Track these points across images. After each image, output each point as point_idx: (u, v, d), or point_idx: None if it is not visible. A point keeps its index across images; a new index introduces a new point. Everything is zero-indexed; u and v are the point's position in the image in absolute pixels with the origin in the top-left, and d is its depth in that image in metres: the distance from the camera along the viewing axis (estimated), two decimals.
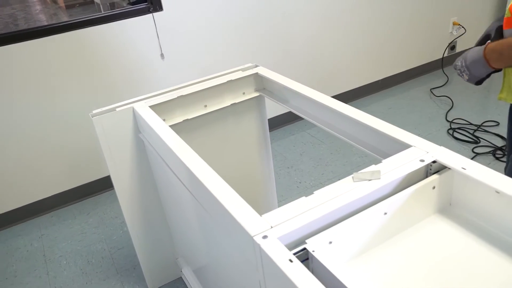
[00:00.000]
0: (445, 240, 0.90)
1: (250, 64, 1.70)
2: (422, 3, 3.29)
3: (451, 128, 2.78)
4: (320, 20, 2.91)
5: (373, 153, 1.13)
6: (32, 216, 2.44)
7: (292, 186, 2.45)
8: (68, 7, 4.79)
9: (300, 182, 2.48)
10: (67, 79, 2.27)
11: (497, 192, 0.86)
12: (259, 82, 1.67)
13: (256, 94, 1.67)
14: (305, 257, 0.80)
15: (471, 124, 2.80)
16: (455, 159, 0.94)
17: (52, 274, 2.02)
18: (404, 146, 1.03)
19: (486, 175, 0.88)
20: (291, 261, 0.72)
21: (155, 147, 1.37)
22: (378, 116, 1.16)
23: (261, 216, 0.83)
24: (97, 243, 2.18)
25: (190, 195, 1.14)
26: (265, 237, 0.78)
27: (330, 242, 0.82)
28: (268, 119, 1.82)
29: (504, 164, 2.36)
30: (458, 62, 1.18)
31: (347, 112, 1.22)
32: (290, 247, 0.79)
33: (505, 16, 1.15)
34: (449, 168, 0.94)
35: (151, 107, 1.45)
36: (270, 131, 1.86)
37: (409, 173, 0.92)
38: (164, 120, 1.50)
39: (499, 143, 2.59)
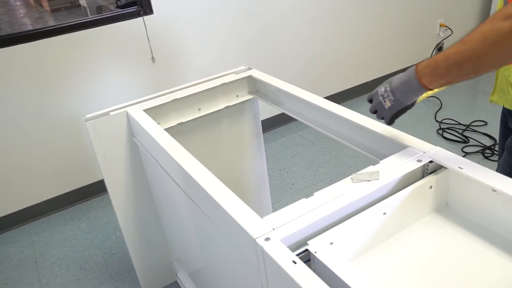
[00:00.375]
0: (443, 239, 0.91)
1: (243, 67, 1.70)
2: (409, 5, 3.33)
3: (440, 128, 2.82)
4: (310, 22, 2.93)
5: (369, 154, 1.14)
6: (22, 223, 2.41)
7: (285, 188, 2.45)
8: (54, 10, 4.75)
9: (292, 184, 2.49)
10: (56, 83, 2.24)
11: (494, 190, 0.87)
12: (252, 84, 1.67)
13: (250, 96, 1.68)
14: (307, 259, 0.80)
15: (459, 124, 2.84)
16: (452, 159, 0.95)
17: (45, 281, 1.99)
18: (401, 146, 1.04)
19: (482, 174, 0.89)
20: (294, 262, 0.72)
21: (150, 151, 1.36)
22: (369, 117, 1.16)
23: (262, 218, 0.84)
24: (90, 248, 2.15)
25: (187, 199, 1.14)
26: (267, 239, 0.78)
27: (331, 243, 0.83)
28: None
29: (493, 163, 2.40)
30: (382, 87, 0.98)
31: (342, 114, 1.24)
32: (292, 248, 0.79)
33: None
34: (445, 168, 0.96)
35: (145, 110, 1.44)
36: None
37: (406, 173, 0.93)
38: (158, 123, 1.49)
39: (488, 142, 2.64)
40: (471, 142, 2.65)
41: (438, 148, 1.00)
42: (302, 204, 0.86)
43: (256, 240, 0.78)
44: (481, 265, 0.84)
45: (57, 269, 2.05)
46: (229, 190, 0.94)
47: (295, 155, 2.77)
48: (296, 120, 3.20)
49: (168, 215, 1.59)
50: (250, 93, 1.68)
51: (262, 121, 1.82)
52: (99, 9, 3.65)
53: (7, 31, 3.87)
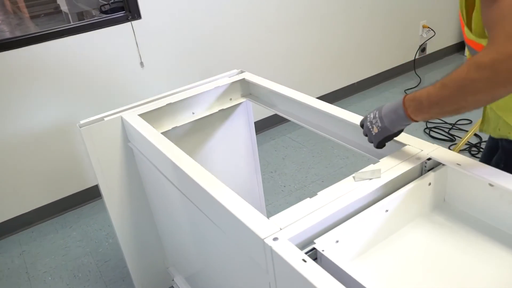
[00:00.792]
0: (443, 234, 0.93)
1: (235, 70, 1.71)
2: (393, 8, 3.39)
3: (427, 128, 2.87)
4: (296, 26, 2.95)
5: (366, 154, 1.16)
6: (11, 233, 2.36)
7: (277, 190, 2.47)
8: (33, 17, 4.68)
9: (284, 186, 2.50)
10: (42, 91, 2.22)
11: (491, 185, 0.90)
12: (245, 87, 1.68)
13: (243, 99, 1.68)
14: (314, 257, 0.81)
15: (445, 123, 2.90)
16: (449, 156, 0.98)
17: None
18: (398, 145, 1.06)
19: (479, 169, 0.92)
20: (304, 261, 0.73)
21: (147, 156, 1.36)
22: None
23: (268, 219, 0.84)
24: (82, 256, 2.13)
25: (187, 202, 1.14)
26: (275, 239, 0.79)
27: (337, 241, 0.84)
28: None
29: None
30: (371, 114, 1.03)
31: (338, 114, 1.25)
32: (299, 247, 0.80)
33: None
34: (443, 165, 0.98)
35: (139, 115, 1.44)
36: None
37: (406, 171, 0.95)
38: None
39: (473, 140, 2.69)
40: (457, 140, 2.71)
41: (435, 146, 1.02)
42: (306, 204, 0.87)
43: (265, 240, 0.79)
44: (481, 258, 0.86)
45: (50, 278, 2.02)
46: (233, 192, 0.94)
47: (285, 157, 2.78)
48: (285, 122, 3.23)
49: (165, 219, 1.59)
50: (243, 96, 1.69)
51: None
52: (81, 15, 3.61)
53: None
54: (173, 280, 1.78)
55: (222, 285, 1.26)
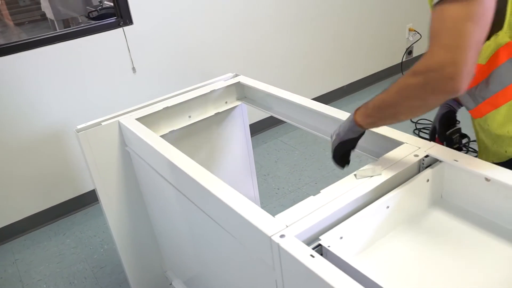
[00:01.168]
0: (443, 229, 0.96)
1: (230, 74, 1.73)
2: (380, 12, 3.44)
3: (416, 129, 2.92)
4: (286, 31, 2.99)
5: (364, 153, 1.18)
6: (3, 241, 2.34)
7: (271, 193, 2.48)
8: (17, 24, 4.64)
9: (278, 189, 2.52)
10: (33, 97, 2.20)
11: (487, 179, 0.93)
12: (240, 91, 1.70)
13: (238, 102, 1.70)
14: (320, 253, 0.83)
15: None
16: (446, 153, 1.01)
17: None
18: (396, 143, 1.08)
19: (476, 164, 0.95)
20: (312, 256, 0.75)
21: (146, 159, 1.37)
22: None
23: (274, 217, 0.86)
24: (77, 263, 2.11)
25: (190, 204, 1.15)
26: (282, 236, 0.80)
27: (341, 237, 0.86)
28: None
29: None
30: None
31: (334, 114, 1.28)
32: (305, 244, 0.81)
33: None
34: (440, 162, 1.01)
35: (137, 119, 1.44)
36: None
37: (405, 168, 0.98)
38: None
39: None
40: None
41: (432, 143, 1.05)
42: (310, 202, 0.89)
43: (272, 237, 0.80)
44: (480, 252, 0.89)
45: (45, 286, 2.00)
46: (237, 192, 0.96)
47: (278, 160, 2.80)
48: (277, 126, 3.25)
49: (162, 223, 1.59)
50: (238, 99, 1.71)
51: None
52: (67, 22, 3.59)
53: None
54: (170, 284, 1.78)
55: (224, 286, 1.26)
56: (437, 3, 0.80)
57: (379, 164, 0.98)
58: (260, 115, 2.98)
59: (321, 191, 0.92)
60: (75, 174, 2.43)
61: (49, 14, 3.77)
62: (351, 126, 0.99)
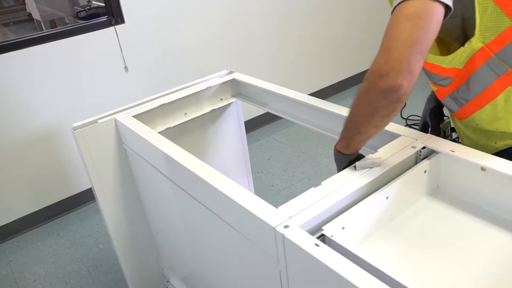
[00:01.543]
0: (440, 219, 0.98)
1: (224, 71, 1.73)
2: (370, 10, 3.48)
3: (407, 125, 2.96)
4: (278, 29, 3.00)
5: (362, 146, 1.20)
6: None
7: (265, 190, 2.49)
8: (1, 25, 4.59)
9: (272, 186, 2.53)
10: (25, 97, 2.19)
11: (483, 169, 0.95)
12: (235, 87, 1.71)
13: (233, 99, 1.71)
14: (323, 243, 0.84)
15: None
16: (443, 144, 1.03)
17: None
18: (393, 136, 1.10)
19: (472, 154, 0.97)
20: (317, 245, 0.76)
21: (144, 156, 1.37)
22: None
23: (277, 208, 0.87)
24: (72, 263, 2.10)
25: (190, 199, 1.15)
26: (286, 226, 0.81)
27: (343, 228, 0.88)
28: None
29: None
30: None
31: (330, 109, 1.29)
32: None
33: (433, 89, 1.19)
34: (436, 153, 1.03)
35: (133, 117, 1.44)
36: None
37: (403, 160, 1.00)
38: None
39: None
40: None
41: (428, 135, 1.07)
42: (312, 193, 0.91)
43: (276, 228, 0.81)
44: (476, 240, 0.91)
45: (40, 286, 1.99)
46: (238, 185, 0.96)
47: (271, 158, 2.82)
48: (269, 123, 3.27)
49: (160, 220, 1.59)
50: (233, 96, 1.72)
51: None
52: (53, 22, 3.56)
53: None
54: (168, 281, 1.78)
55: (224, 281, 1.27)
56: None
57: (379, 155, 1.00)
58: (252, 113, 2.99)
59: (322, 182, 0.93)
60: (68, 174, 2.42)
61: (35, 15, 3.72)
62: (337, 158, 1.01)
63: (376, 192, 0.93)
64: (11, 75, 2.12)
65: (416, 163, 1.04)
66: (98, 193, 1.53)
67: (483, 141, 1.12)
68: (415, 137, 1.07)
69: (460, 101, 1.08)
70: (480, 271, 0.83)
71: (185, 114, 1.61)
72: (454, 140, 1.33)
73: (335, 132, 1.31)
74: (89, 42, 2.28)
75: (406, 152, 1.01)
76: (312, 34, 3.21)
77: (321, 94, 3.43)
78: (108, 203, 1.56)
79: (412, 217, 0.99)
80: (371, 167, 0.96)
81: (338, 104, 1.31)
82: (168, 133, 1.57)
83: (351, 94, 3.52)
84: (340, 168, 1.02)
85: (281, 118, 1.56)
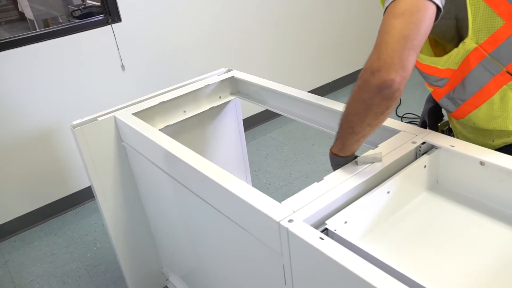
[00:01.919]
0: (440, 213, 0.99)
1: (223, 69, 1.74)
2: (366, 9, 3.50)
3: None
4: (274, 28, 3.01)
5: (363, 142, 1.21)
6: None
7: (263, 188, 2.50)
8: None
9: (269, 184, 2.54)
10: (21, 95, 2.18)
11: (482, 163, 0.96)
12: (234, 85, 1.71)
13: (232, 97, 1.71)
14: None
15: (419, 117, 3.01)
16: (443, 139, 1.04)
17: None
18: (393, 132, 1.11)
19: (471, 149, 0.99)
20: (322, 239, 0.77)
21: (144, 153, 1.37)
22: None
23: (280, 203, 0.88)
24: (70, 262, 2.09)
25: (192, 195, 1.16)
26: (290, 220, 0.82)
27: (346, 222, 0.88)
28: None
29: None
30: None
31: (329, 105, 1.31)
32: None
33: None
34: (436, 148, 1.04)
35: (133, 114, 1.44)
36: None
37: (403, 155, 1.01)
38: None
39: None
40: None
41: (428, 131, 1.08)
42: (315, 188, 0.91)
43: (280, 222, 0.82)
44: (476, 234, 0.92)
45: (38, 286, 1.98)
46: (241, 180, 0.97)
47: (268, 156, 2.82)
48: (265, 122, 3.27)
49: (159, 218, 1.59)
50: (232, 93, 1.72)
51: None
52: (46, 22, 3.54)
53: None
54: (167, 279, 1.78)
55: (225, 278, 1.28)
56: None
57: (380, 151, 1.01)
58: (249, 112, 3.00)
59: (324, 177, 0.94)
60: (65, 173, 2.41)
61: (28, 14, 3.69)
62: (333, 161, 1.01)
63: (377, 187, 0.95)
64: (7, 74, 2.10)
65: (416, 158, 1.05)
66: (97, 191, 1.53)
67: (481, 139, 1.14)
68: (415, 132, 1.08)
69: (456, 101, 1.09)
70: (480, 264, 0.84)
71: (184, 112, 1.61)
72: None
73: (334, 128, 1.31)
74: (86, 41, 2.27)
75: (406, 148, 1.02)
76: (308, 33, 3.22)
77: (316, 92, 3.40)
78: (107, 201, 1.56)
79: (413, 212, 1.00)
80: (372, 162, 0.97)
81: None
82: (167, 131, 1.57)
83: (346, 92, 3.54)
84: (333, 170, 1.01)
85: (278, 116, 1.58)
